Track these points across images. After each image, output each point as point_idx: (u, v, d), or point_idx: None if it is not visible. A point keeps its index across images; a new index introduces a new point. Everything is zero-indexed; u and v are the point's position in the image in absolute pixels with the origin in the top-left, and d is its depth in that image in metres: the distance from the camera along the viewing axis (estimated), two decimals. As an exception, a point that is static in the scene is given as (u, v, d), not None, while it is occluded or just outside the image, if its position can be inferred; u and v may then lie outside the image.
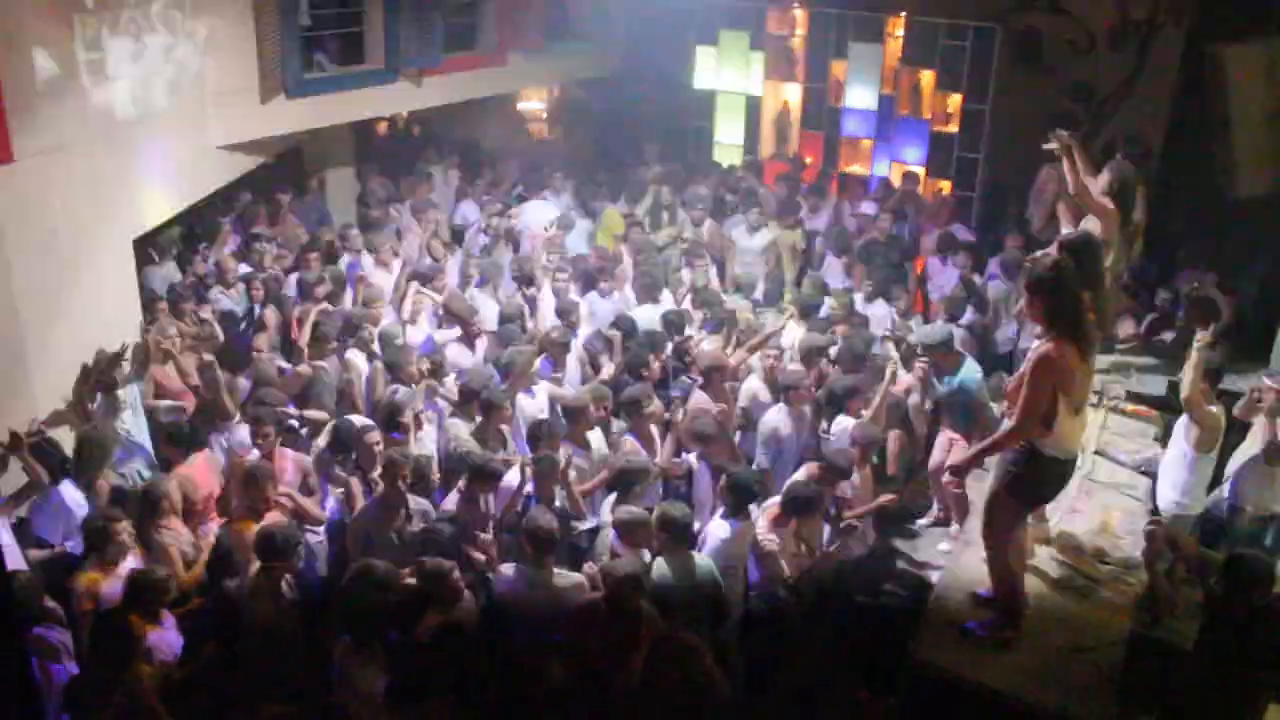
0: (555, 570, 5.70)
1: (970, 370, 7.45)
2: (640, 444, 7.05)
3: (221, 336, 8.34)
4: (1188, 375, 6.55)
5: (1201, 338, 6.62)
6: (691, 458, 7.06)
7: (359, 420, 6.97)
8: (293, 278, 9.22)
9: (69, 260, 7.27)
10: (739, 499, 6.23)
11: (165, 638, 5.36)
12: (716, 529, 6.17)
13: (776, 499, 6.34)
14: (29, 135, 6.78)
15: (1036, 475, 5.06)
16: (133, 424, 7.24)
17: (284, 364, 7.95)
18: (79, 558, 5.82)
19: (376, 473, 6.41)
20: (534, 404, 7.55)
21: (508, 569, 5.76)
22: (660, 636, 5.20)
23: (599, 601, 5.38)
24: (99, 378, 7.14)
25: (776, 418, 7.40)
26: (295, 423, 7.19)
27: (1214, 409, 6.71)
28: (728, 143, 14.02)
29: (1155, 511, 6.74)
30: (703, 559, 5.90)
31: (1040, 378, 4.84)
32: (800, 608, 6.21)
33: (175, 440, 6.94)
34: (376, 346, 7.96)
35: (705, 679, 5.04)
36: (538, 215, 10.86)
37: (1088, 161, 7.04)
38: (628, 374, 7.76)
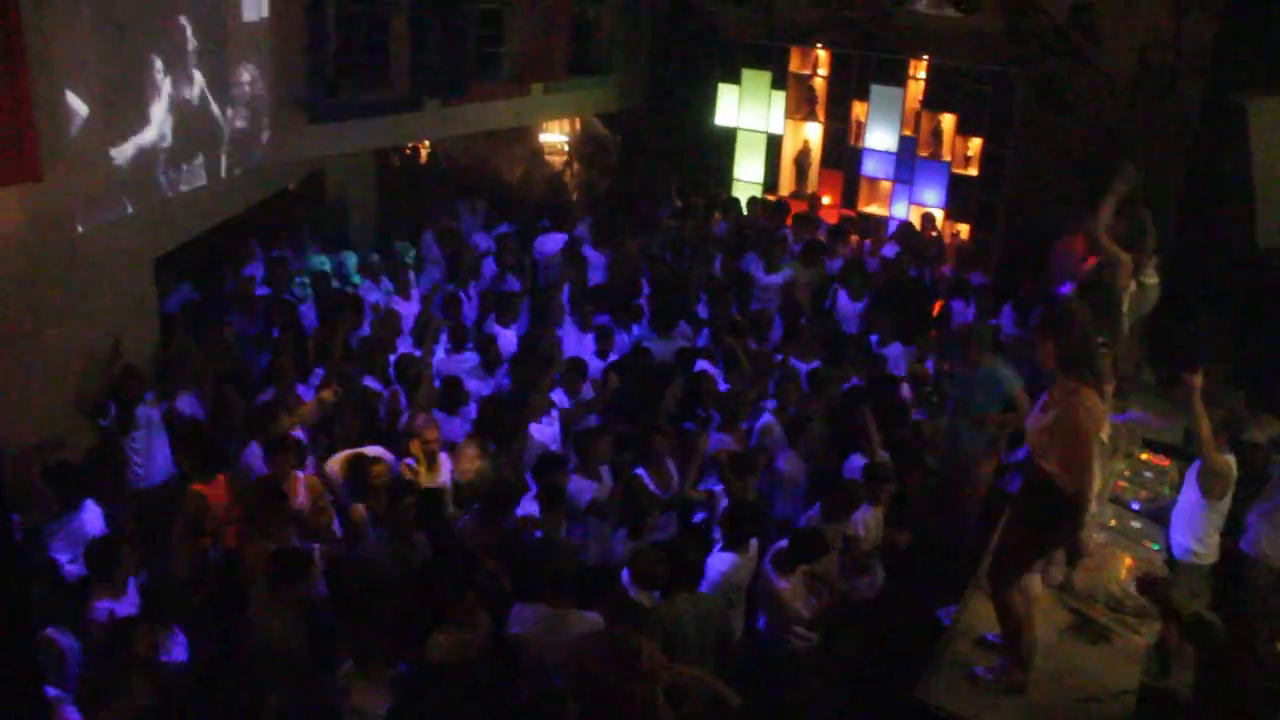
0: (576, 612, 5.61)
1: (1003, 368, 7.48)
2: (649, 478, 7.04)
3: (235, 355, 8.40)
4: (1198, 420, 6.50)
5: (1196, 380, 6.56)
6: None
7: (371, 451, 6.98)
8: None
9: (90, 279, 7.34)
10: (736, 531, 6.21)
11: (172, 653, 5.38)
12: (716, 561, 6.15)
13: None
14: (59, 153, 6.87)
15: (1056, 516, 5.01)
16: (143, 444, 7.27)
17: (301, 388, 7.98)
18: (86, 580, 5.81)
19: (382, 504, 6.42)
20: (547, 433, 7.55)
21: (525, 610, 5.71)
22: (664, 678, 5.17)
23: (599, 636, 5.32)
24: (115, 392, 7.18)
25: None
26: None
27: (1228, 457, 6.66)
28: (747, 180, 14.07)
29: (1170, 560, 6.69)
30: (711, 597, 5.88)
31: (1082, 432, 4.80)
32: (813, 651, 6.22)
33: (198, 456, 6.93)
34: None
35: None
36: (557, 247, 10.93)
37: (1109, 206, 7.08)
38: (643, 405, 7.77)
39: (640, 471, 7.05)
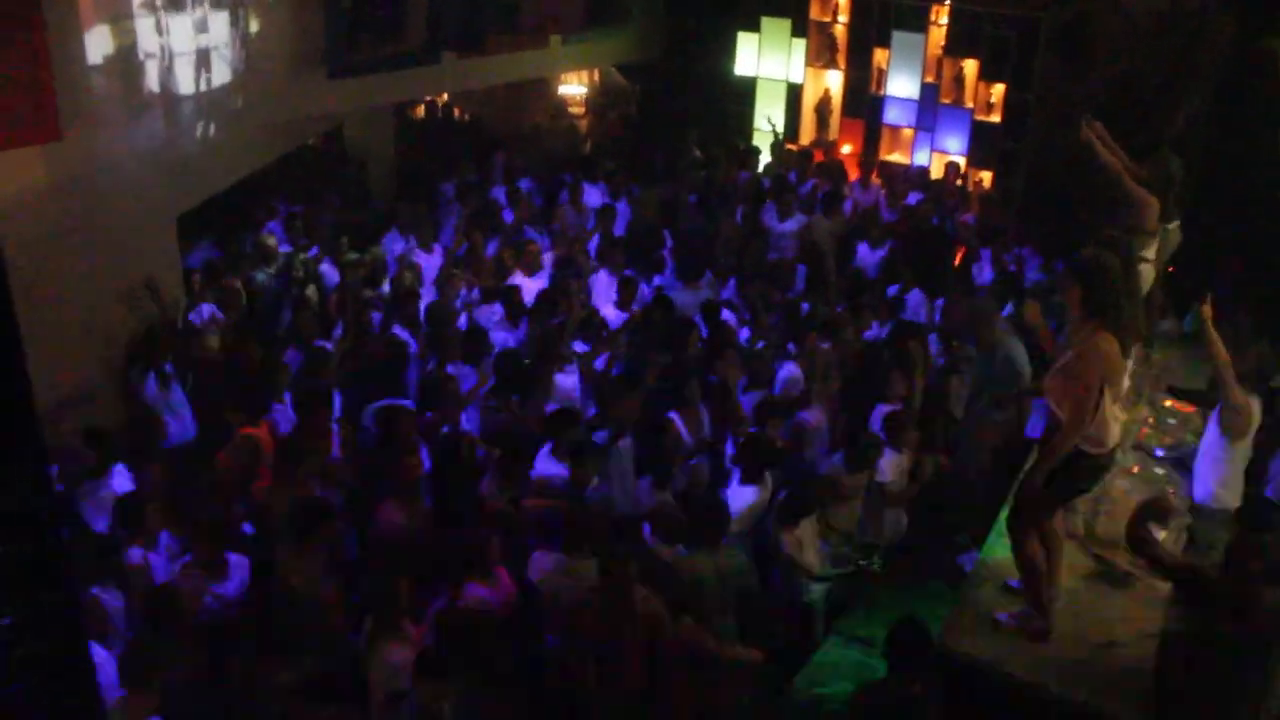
0: (592, 562, 5.61)
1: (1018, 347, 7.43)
2: (682, 425, 7.06)
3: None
4: (1213, 349, 6.41)
5: (1206, 310, 6.48)
6: None
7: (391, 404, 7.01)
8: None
9: (113, 237, 7.37)
10: (752, 463, 6.24)
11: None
12: (735, 496, 6.18)
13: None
14: (74, 113, 6.88)
15: (1075, 470, 5.02)
16: (174, 401, 7.35)
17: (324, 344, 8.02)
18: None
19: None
20: (568, 383, 7.58)
21: (544, 558, 5.77)
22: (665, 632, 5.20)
23: (597, 588, 5.32)
24: (144, 349, 7.23)
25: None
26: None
27: (1251, 398, 6.58)
28: (767, 129, 13.95)
29: (1193, 506, 6.67)
30: (733, 551, 5.89)
31: (1090, 373, 4.78)
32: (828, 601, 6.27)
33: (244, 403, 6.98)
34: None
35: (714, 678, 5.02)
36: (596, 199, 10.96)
37: (1119, 153, 6.98)
38: (669, 352, 7.79)
39: (673, 415, 7.07)
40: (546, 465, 6.56)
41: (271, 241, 9.34)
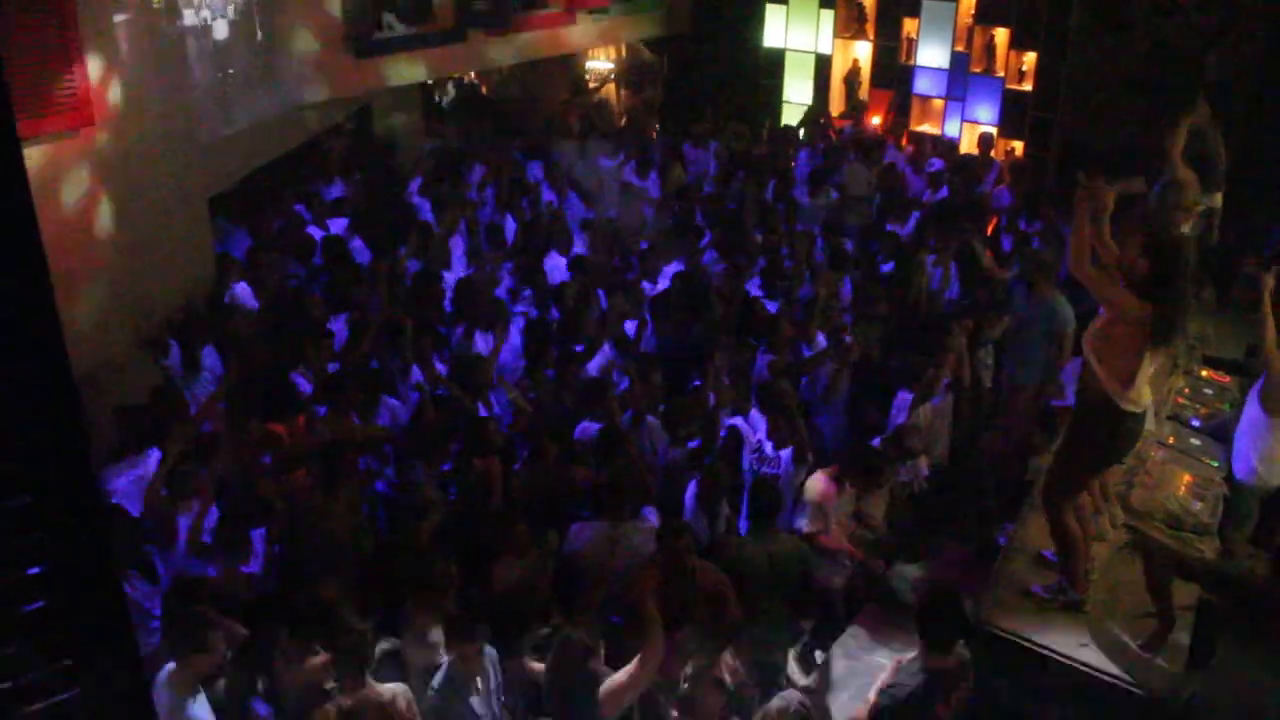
0: (632, 523, 5.71)
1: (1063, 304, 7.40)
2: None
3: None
4: (1266, 324, 6.32)
5: (1268, 281, 6.37)
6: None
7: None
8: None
9: (146, 220, 7.45)
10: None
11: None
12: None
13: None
14: (109, 97, 6.95)
15: (1111, 431, 4.95)
16: (204, 389, 7.33)
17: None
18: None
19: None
20: (597, 358, 7.62)
21: (585, 529, 5.80)
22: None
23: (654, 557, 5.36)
24: (178, 334, 7.30)
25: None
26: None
27: None
28: (797, 102, 13.87)
29: (1229, 478, 6.60)
30: (789, 538, 5.83)
31: (1132, 338, 4.72)
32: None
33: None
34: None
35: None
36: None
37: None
38: (699, 322, 7.80)
39: (698, 384, 7.10)
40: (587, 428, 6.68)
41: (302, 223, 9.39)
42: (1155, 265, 4.68)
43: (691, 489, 6.16)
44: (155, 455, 6.21)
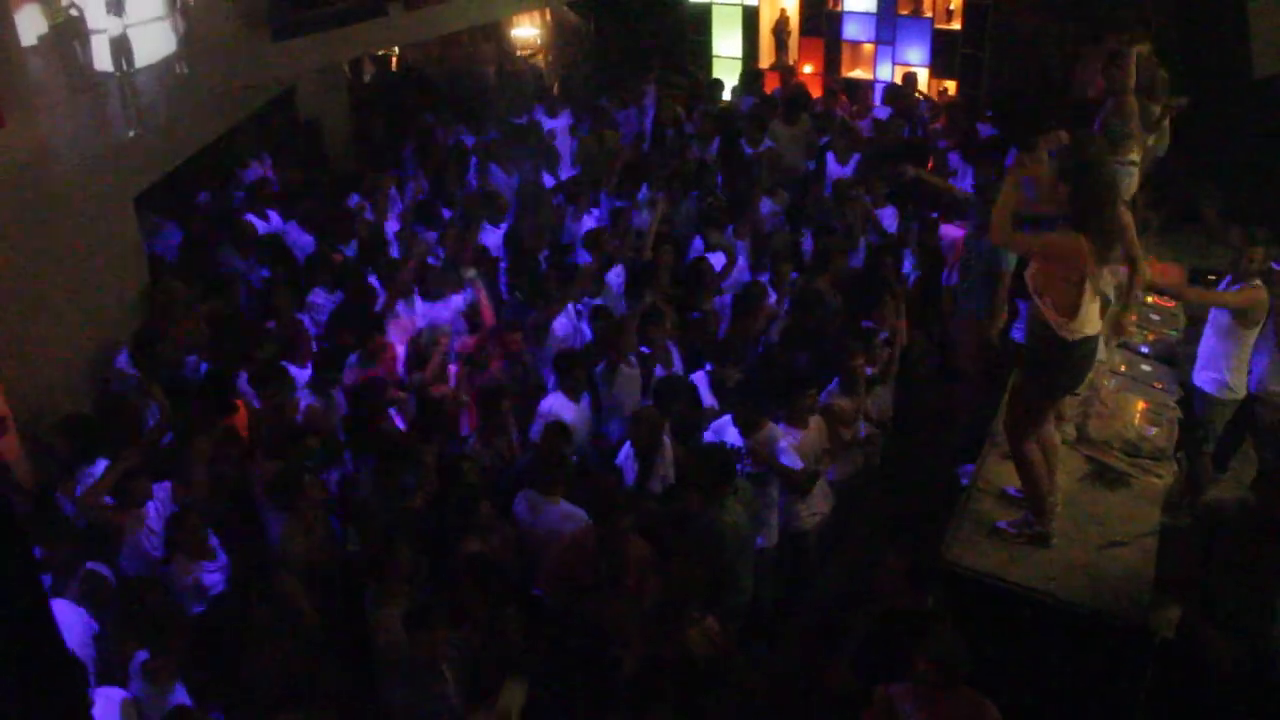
0: (563, 501, 5.63)
1: None
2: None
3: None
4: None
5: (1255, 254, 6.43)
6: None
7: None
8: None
9: (69, 223, 7.16)
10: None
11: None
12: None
13: None
14: (16, 98, 6.67)
15: (1061, 361, 4.95)
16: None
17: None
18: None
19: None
20: (564, 324, 7.54)
21: (520, 499, 5.74)
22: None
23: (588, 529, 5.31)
24: (137, 342, 7.00)
25: None
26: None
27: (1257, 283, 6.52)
28: (726, 55, 13.75)
29: (1182, 401, 6.65)
30: (740, 517, 5.65)
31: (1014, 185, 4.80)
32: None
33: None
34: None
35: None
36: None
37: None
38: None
39: (646, 350, 7.03)
40: (554, 402, 6.58)
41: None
42: (1076, 189, 4.70)
43: None
44: (103, 465, 6.00)
